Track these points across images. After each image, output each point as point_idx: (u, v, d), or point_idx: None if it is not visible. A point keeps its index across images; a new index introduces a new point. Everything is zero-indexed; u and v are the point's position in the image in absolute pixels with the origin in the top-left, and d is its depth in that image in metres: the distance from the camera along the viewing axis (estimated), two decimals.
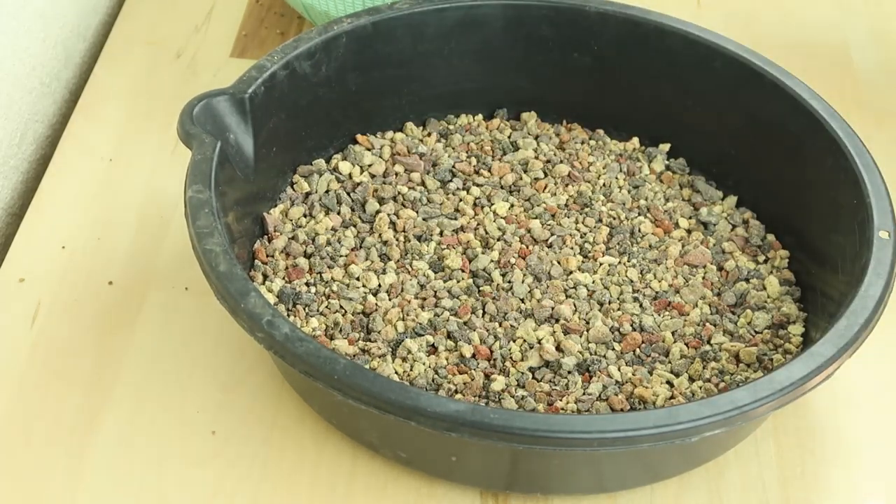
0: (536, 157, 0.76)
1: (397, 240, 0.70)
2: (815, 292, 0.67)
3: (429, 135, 0.77)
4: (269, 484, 0.62)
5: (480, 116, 0.79)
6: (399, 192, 0.72)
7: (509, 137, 0.77)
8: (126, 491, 0.61)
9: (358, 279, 0.67)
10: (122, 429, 0.64)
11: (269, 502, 0.61)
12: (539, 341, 0.65)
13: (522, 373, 0.63)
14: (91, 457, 0.62)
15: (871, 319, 0.58)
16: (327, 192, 0.72)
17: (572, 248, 0.70)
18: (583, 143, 0.77)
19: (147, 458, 0.62)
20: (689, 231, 0.73)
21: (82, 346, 0.67)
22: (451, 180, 0.74)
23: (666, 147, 0.77)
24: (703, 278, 0.70)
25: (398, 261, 0.69)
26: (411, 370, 0.63)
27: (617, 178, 0.75)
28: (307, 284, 0.67)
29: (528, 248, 0.70)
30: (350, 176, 0.74)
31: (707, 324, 0.67)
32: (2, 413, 0.64)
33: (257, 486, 0.61)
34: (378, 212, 0.71)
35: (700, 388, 0.63)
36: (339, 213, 0.71)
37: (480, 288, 0.68)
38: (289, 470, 0.62)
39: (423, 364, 0.63)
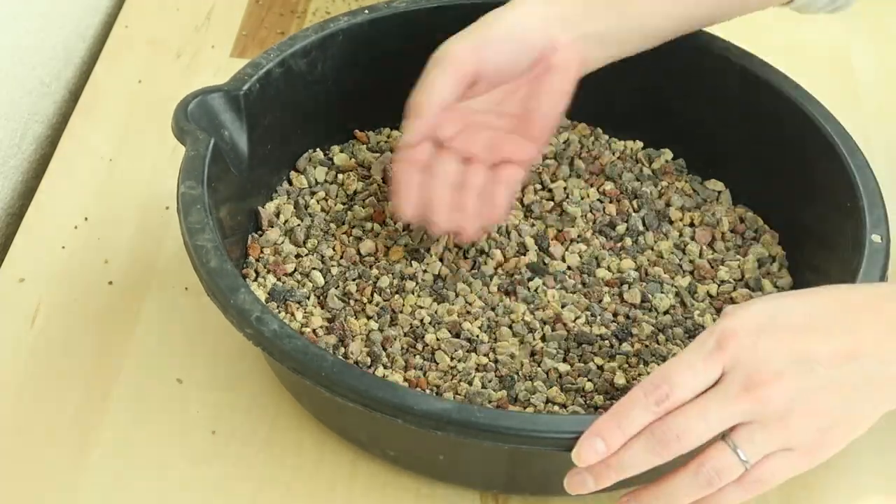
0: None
1: (392, 238, 0.70)
2: None
3: None
4: (268, 484, 0.62)
5: None
6: None
7: None
8: (126, 490, 0.61)
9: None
10: (122, 428, 0.64)
11: (268, 502, 0.61)
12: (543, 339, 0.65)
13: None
14: (91, 456, 0.62)
15: None
16: (322, 188, 0.72)
17: (574, 245, 0.70)
18: (585, 137, 0.77)
19: (147, 457, 0.63)
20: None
21: (82, 346, 0.68)
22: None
23: (669, 154, 0.76)
24: None
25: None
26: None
27: (622, 175, 0.75)
28: (299, 281, 0.67)
29: (528, 248, 0.70)
30: (346, 171, 0.73)
31: None
32: (2, 413, 0.64)
33: (257, 486, 0.62)
34: (373, 208, 0.71)
35: None
36: (333, 210, 0.71)
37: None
38: (289, 470, 0.62)
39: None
